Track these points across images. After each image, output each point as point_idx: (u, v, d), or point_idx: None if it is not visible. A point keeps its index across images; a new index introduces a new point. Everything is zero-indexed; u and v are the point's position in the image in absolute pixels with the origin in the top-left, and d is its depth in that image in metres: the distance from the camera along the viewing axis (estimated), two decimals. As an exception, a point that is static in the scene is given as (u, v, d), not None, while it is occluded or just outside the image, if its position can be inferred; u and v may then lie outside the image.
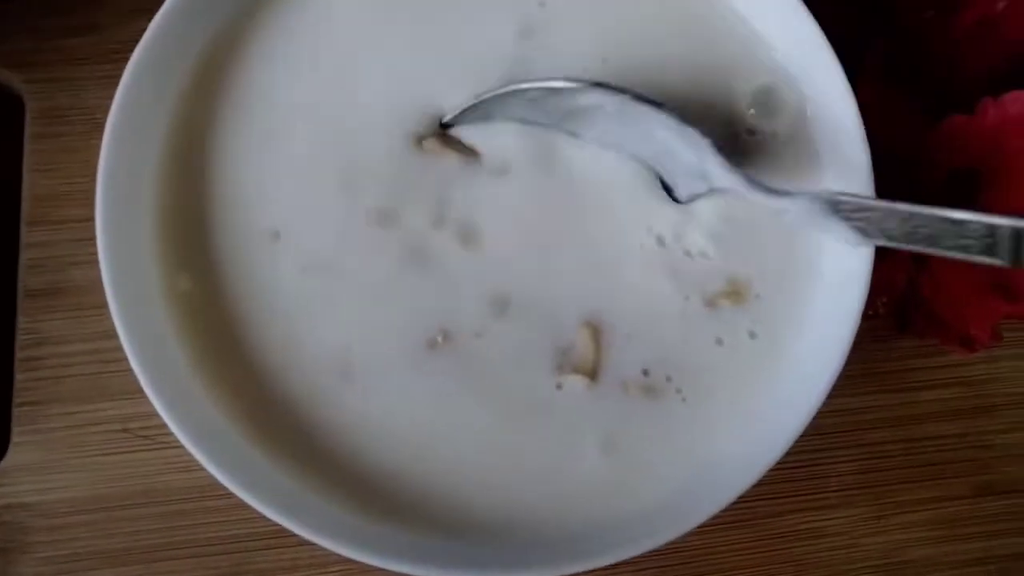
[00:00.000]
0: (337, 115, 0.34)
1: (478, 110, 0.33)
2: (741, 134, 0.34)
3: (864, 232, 0.29)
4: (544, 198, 0.33)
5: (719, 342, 0.33)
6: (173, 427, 0.30)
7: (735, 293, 0.33)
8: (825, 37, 0.33)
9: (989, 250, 0.27)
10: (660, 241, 0.33)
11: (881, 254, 0.32)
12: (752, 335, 0.33)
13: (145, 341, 0.31)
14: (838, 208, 0.29)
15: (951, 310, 0.37)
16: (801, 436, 0.31)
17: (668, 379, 0.33)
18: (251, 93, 0.34)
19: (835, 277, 0.33)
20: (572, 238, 0.33)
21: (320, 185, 0.33)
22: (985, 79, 0.37)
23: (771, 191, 0.31)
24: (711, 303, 0.33)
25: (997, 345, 0.38)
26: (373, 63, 0.34)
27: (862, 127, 0.32)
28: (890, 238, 0.29)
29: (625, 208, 0.34)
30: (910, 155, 0.36)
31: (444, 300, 0.33)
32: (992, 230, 0.27)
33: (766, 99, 0.34)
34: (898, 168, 0.34)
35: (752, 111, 0.34)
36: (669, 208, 0.34)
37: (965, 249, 0.27)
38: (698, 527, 0.30)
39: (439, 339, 0.32)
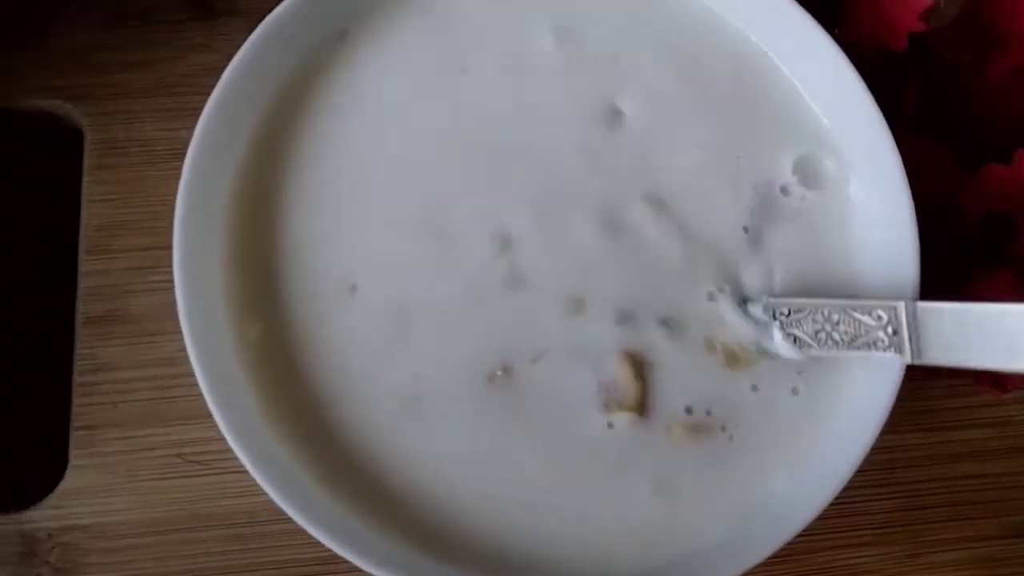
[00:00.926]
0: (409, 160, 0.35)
1: None
2: (779, 196, 0.35)
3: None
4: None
5: (755, 388, 0.34)
6: (236, 449, 0.31)
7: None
8: (879, 110, 0.34)
9: (896, 347, 0.29)
10: (711, 296, 0.34)
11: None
12: (799, 378, 0.34)
13: (215, 369, 0.32)
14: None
15: (985, 352, 0.38)
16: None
17: (708, 413, 0.33)
18: (322, 141, 0.35)
19: None
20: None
21: (394, 231, 0.35)
22: (1020, 123, 0.38)
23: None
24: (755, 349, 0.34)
25: (1029, 386, 0.38)
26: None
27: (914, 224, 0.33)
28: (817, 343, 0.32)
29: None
30: (945, 201, 0.37)
31: (509, 335, 0.34)
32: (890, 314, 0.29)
33: (811, 167, 0.36)
34: (932, 213, 0.34)
35: (796, 177, 0.35)
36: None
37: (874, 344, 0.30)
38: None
39: (499, 372, 0.33)
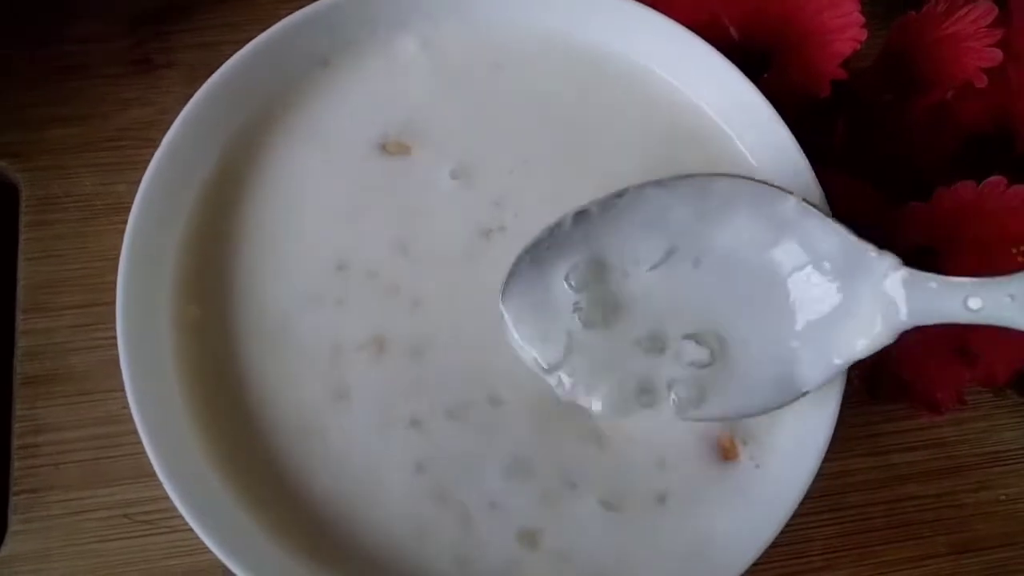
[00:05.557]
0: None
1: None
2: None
3: None
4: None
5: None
6: (183, 510, 0.30)
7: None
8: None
9: None
10: None
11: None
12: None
13: (157, 420, 0.31)
14: None
15: (918, 376, 0.39)
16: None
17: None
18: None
19: None
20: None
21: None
22: (939, 160, 0.40)
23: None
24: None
25: (961, 408, 0.40)
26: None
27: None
28: None
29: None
30: (871, 237, 0.38)
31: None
32: None
33: None
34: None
35: None
36: None
37: None
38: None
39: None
